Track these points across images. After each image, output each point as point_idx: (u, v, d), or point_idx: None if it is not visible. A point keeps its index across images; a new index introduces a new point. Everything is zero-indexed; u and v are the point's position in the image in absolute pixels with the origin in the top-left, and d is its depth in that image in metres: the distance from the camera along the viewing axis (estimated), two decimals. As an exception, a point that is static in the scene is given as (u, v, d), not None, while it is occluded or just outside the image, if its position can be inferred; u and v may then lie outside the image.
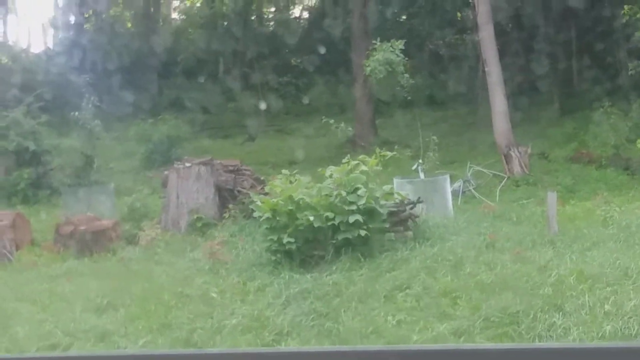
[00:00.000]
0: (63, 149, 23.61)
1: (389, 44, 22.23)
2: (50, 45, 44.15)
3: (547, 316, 9.09)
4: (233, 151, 28.30)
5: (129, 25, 44.94)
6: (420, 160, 20.11)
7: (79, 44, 37.70)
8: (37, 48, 49.48)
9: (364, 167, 13.25)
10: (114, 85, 29.65)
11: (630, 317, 8.77)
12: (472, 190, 20.35)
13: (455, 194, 18.92)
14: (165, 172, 18.33)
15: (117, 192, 20.29)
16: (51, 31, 45.71)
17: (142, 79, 35.17)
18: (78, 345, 9.57)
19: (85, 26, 42.97)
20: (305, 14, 46.29)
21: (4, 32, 46.50)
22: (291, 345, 9.10)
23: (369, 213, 12.68)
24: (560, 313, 9.14)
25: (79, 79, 23.36)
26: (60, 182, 22.22)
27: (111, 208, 18.82)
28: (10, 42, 44.29)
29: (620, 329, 8.49)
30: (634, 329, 8.48)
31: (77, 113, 23.17)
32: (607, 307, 9.16)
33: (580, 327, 8.66)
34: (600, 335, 8.40)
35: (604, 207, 15.91)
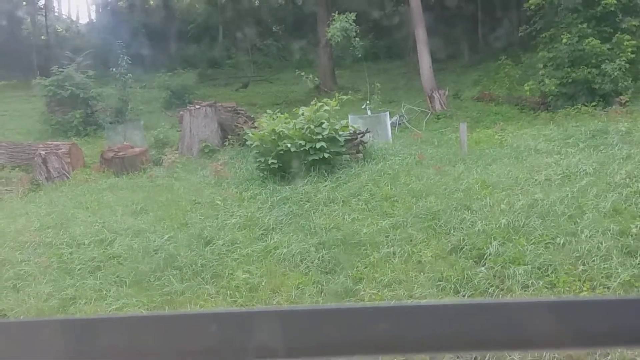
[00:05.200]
0: (105, 95, 23.43)
1: (344, 16, 21.87)
2: (94, 17, 43.94)
3: (459, 213, 9.15)
4: (231, 96, 27.97)
5: (151, 2, 44.31)
6: (368, 101, 20.05)
7: (114, 16, 37.81)
8: (83, 20, 49.14)
9: (327, 107, 13.14)
10: (141, 48, 29.13)
11: (519, 213, 8.85)
12: (406, 123, 20.25)
13: (393, 125, 18.81)
14: (181, 112, 18.15)
15: (145, 127, 20.07)
16: (94, 7, 45.55)
17: (162, 43, 34.63)
18: (120, 239, 9.51)
19: (119, 3, 43.19)
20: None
21: (59, 9, 46.10)
22: (275, 238, 9.11)
23: (331, 140, 12.60)
24: (469, 211, 9.20)
25: (115, 43, 22.91)
26: (103, 120, 22.08)
27: (141, 139, 18.59)
28: (64, 16, 43.66)
29: (512, 222, 8.57)
30: (521, 221, 8.56)
31: (114, 69, 22.92)
32: (502, 206, 9.23)
33: (483, 221, 8.73)
34: (497, 226, 8.47)
35: (500, 133, 15.95)
